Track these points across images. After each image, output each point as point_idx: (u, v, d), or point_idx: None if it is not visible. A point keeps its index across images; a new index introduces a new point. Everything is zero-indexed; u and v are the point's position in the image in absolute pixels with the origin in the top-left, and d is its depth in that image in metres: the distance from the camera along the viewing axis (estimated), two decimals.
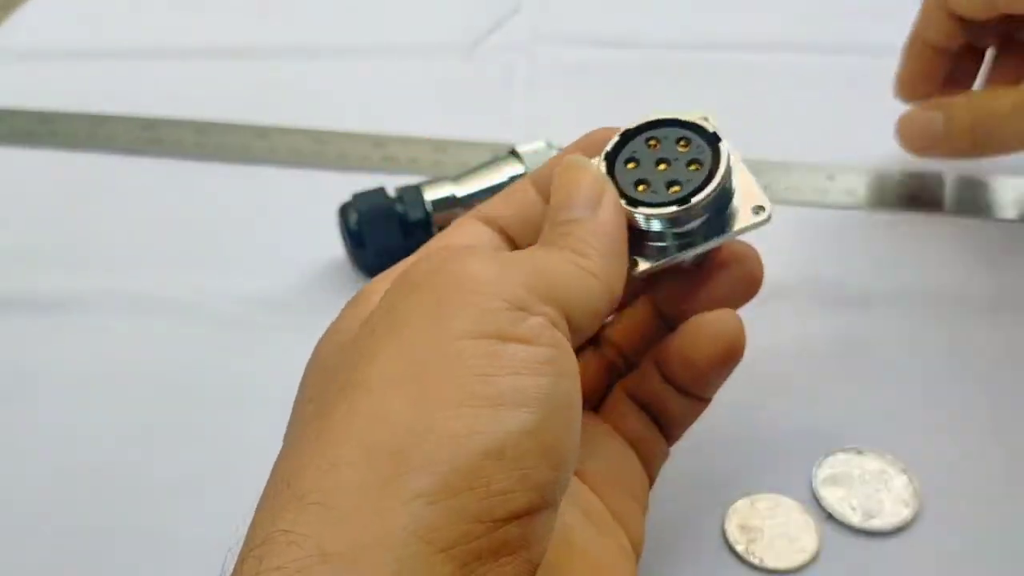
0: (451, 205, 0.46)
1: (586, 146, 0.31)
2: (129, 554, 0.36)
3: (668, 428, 0.32)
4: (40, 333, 0.45)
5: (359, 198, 0.46)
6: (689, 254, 0.29)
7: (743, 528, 0.35)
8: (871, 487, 0.36)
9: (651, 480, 0.32)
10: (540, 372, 0.21)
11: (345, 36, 0.68)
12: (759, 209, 0.29)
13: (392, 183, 0.47)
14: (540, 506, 0.20)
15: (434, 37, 0.67)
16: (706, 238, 0.29)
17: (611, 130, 0.30)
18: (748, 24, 0.66)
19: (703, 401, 0.31)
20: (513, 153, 0.48)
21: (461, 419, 0.19)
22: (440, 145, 0.56)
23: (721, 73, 0.62)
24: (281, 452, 0.23)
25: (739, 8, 0.68)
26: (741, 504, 0.35)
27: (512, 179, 0.47)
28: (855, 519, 0.35)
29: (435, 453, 0.19)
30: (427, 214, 0.46)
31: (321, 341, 0.27)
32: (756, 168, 0.31)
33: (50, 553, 0.36)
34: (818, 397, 0.40)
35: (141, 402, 0.42)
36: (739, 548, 0.34)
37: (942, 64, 0.45)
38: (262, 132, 0.58)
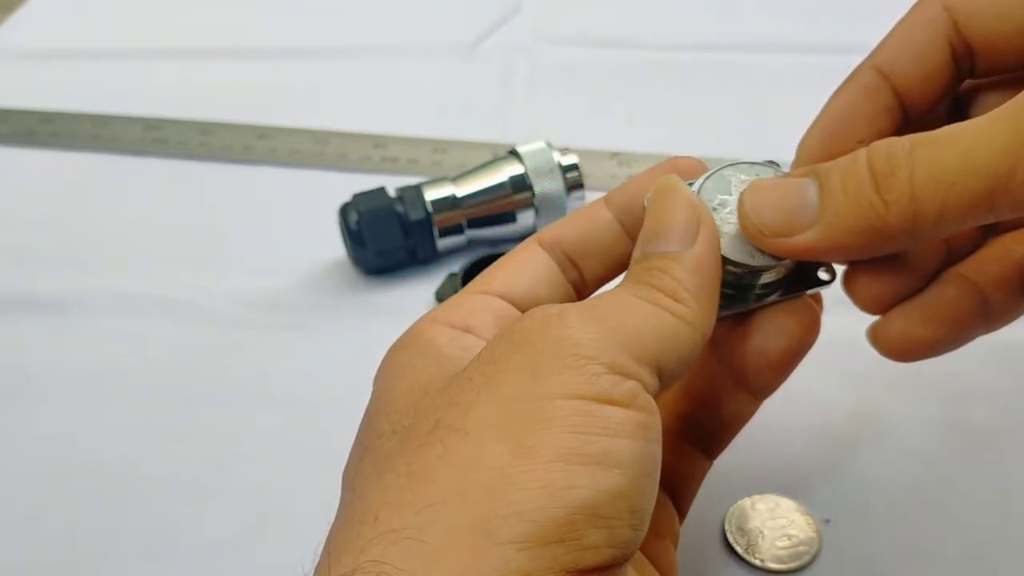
0: (451, 205, 0.46)
1: (670, 173, 0.29)
2: (129, 554, 0.36)
3: (719, 433, 0.30)
4: (40, 333, 0.45)
5: (359, 198, 0.46)
6: (757, 305, 0.27)
7: (743, 529, 0.35)
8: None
9: (691, 498, 0.30)
10: (634, 435, 0.21)
11: (345, 37, 0.68)
12: (827, 269, 0.27)
13: (392, 183, 0.47)
14: (620, 561, 0.21)
15: (434, 37, 0.67)
16: (782, 292, 0.27)
17: (694, 161, 0.29)
18: (748, 24, 0.66)
19: (759, 399, 0.30)
20: (513, 153, 0.48)
21: (558, 472, 0.20)
22: (440, 145, 0.56)
23: (721, 73, 0.62)
24: (359, 480, 0.23)
25: (739, 8, 0.68)
26: (741, 504, 0.35)
27: (512, 179, 0.47)
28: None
29: (531, 502, 0.20)
30: (427, 214, 0.46)
31: (384, 374, 0.26)
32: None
33: (50, 553, 0.36)
34: (820, 398, 0.40)
35: (141, 402, 0.42)
36: (739, 548, 0.34)
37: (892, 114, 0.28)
38: (263, 132, 0.58)
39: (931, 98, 0.28)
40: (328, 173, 0.55)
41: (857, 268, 0.27)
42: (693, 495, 0.30)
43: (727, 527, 0.35)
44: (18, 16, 0.72)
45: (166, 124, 0.59)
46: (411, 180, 0.48)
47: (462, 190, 0.47)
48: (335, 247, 0.47)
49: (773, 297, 0.27)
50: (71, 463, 0.39)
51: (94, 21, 0.71)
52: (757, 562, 0.34)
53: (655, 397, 0.23)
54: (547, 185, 0.47)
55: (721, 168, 0.27)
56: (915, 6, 0.28)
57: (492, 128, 0.57)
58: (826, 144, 0.28)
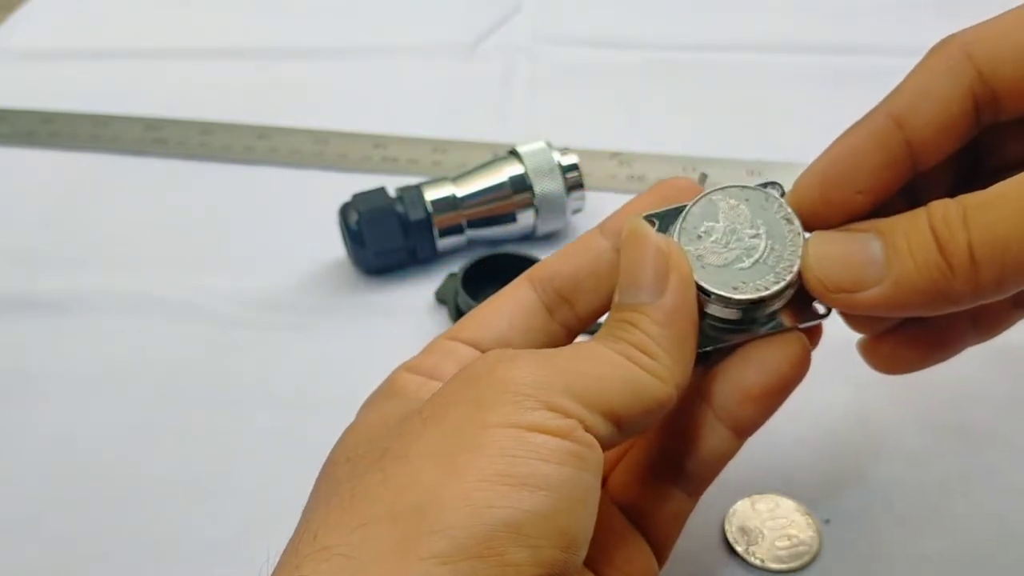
0: (451, 205, 0.46)
1: (665, 195, 0.28)
2: (129, 554, 0.36)
3: (699, 471, 0.28)
4: (40, 333, 0.45)
5: (359, 198, 0.46)
6: (747, 337, 0.27)
7: (743, 529, 0.35)
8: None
9: (672, 538, 0.29)
10: (564, 462, 0.22)
11: (345, 37, 0.68)
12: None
13: (392, 183, 0.47)
14: None
15: (434, 37, 0.67)
16: (776, 326, 0.26)
17: (687, 181, 0.28)
18: (748, 24, 0.66)
19: (741, 437, 0.28)
20: (513, 153, 0.48)
21: (483, 491, 0.21)
22: (440, 145, 0.56)
23: (721, 73, 0.62)
24: (310, 505, 0.24)
25: (739, 8, 0.68)
26: (741, 505, 0.35)
27: (512, 179, 0.47)
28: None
29: (454, 519, 0.21)
30: (427, 214, 0.46)
31: (361, 418, 0.27)
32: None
33: (50, 553, 0.36)
34: (821, 399, 0.40)
35: (141, 402, 0.42)
36: (739, 549, 0.34)
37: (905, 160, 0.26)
38: (263, 132, 0.58)
39: (945, 150, 0.26)
40: (328, 173, 0.55)
41: (883, 338, 0.27)
42: (675, 535, 0.29)
43: (727, 527, 0.35)
44: (18, 16, 0.72)
45: (166, 124, 0.59)
46: (411, 180, 0.48)
47: (462, 190, 0.47)
48: (335, 247, 0.47)
49: (765, 329, 0.26)
50: (71, 463, 0.39)
51: (94, 21, 0.71)
52: (757, 562, 0.34)
53: (612, 443, 0.23)
54: (547, 185, 0.47)
55: (710, 192, 0.26)
56: (933, 53, 0.26)
57: (492, 128, 0.57)
58: (825, 191, 0.26)
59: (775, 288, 0.25)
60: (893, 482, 0.36)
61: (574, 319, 0.29)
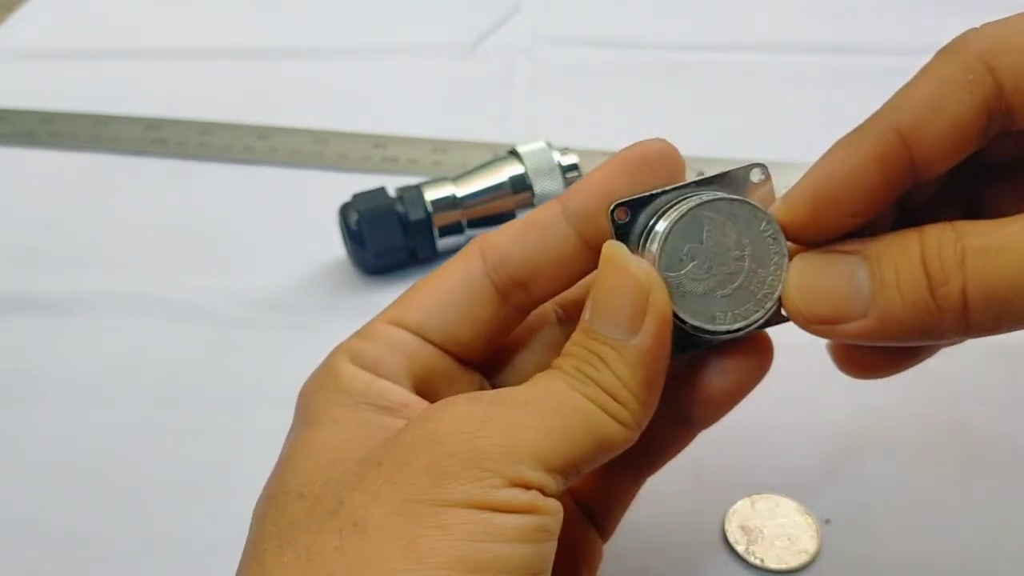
0: (451, 205, 0.46)
1: (633, 167, 0.26)
2: (129, 554, 0.36)
3: (650, 458, 0.29)
4: (40, 333, 0.45)
5: (359, 198, 0.46)
6: (714, 344, 0.26)
7: (743, 528, 0.35)
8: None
9: (618, 518, 0.30)
10: (527, 539, 0.21)
11: (345, 37, 0.68)
12: None
13: (392, 183, 0.47)
14: None
15: (434, 37, 0.67)
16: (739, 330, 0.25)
17: (662, 145, 0.26)
18: (748, 24, 0.66)
19: (695, 430, 0.28)
20: (513, 153, 0.48)
21: None
22: (440, 145, 0.56)
23: (721, 73, 0.62)
24: (261, 534, 0.23)
25: (739, 8, 0.68)
26: (741, 504, 0.35)
27: (512, 179, 0.47)
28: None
29: None
30: (427, 214, 0.46)
31: (301, 416, 0.26)
32: None
33: (50, 553, 0.36)
34: (820, 398, 0.40)
35: (141, 402, 0.42)
36: (739, 548, 0.34)
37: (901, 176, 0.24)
38: (263, 132, 0.58)
39: (949, 164, 0.24)
40: (328, 173, 0.55)
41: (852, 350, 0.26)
42: (621, 515, 0.29)
43: (727, 527, 0.35)
44: (18, 16, 0.72)
45: (166, 124, 0.59)
46: (411, 180, 0.48)
47: (462, 190, 0.47)
48: (335, 247, 0.47)
49: (728, 339, 0.26)
50: (71, 463, 0.39)
51: (94, 21, 0.71)
52: (757, 562, 0.34)
53: (569, 485, 0.23)
54: (547, 185, 0.47)
55: (695, 207, 0.24)
56: (947, 59, 0.23)
57: (492, 128, 0.57)
58: (817, 210, 0.24)
59: (754, 318, 0.25)
60: (893, 482, 0.36)
61: (528, 301, 0.27)
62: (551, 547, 0.22)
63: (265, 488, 0.24)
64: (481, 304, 0.26)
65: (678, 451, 0.29)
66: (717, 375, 0.26)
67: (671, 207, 0.25)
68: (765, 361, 0.26)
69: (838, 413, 0.39)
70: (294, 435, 0.25)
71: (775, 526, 0.35)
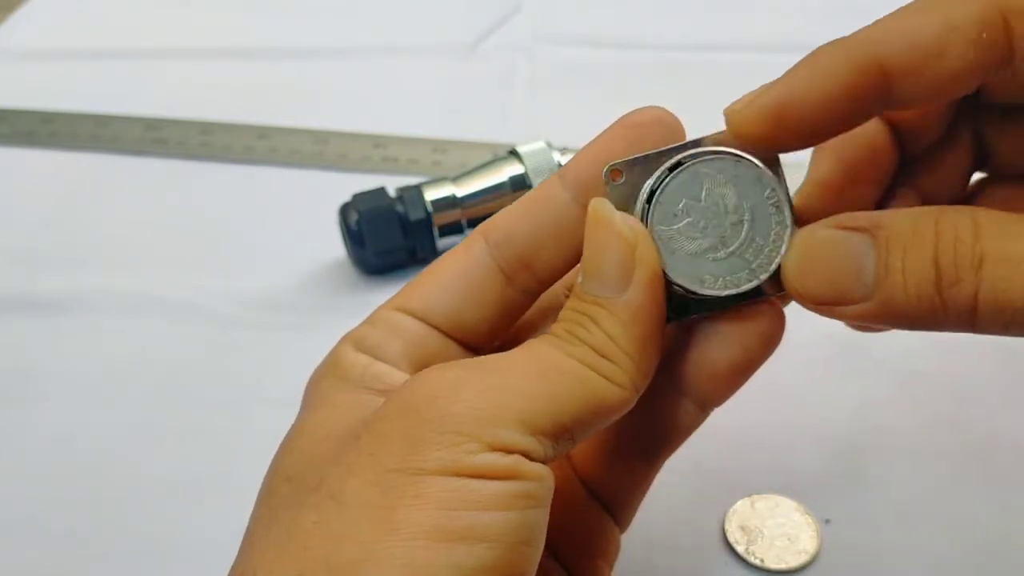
0: (451, 205, 0.46)
1: (629, 133, 0.25)
2: (129, 554, 0.36)
3: (662, 443, 0.27)
4: (40, 333, 0.45)
5: (359, 198, 0.46)
6: (717, 312, 0.25)
7: (743, 528, 0.35)
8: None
9: (634, 507, 0.29)
10: (508, 506, 0.21)
11: (345, 36, 0.68)
12: None
13: (392, 183, 0.47)
14: None
15: (434, 37, 0.67)
16: (748, 296, 0.24)
17: (658, 112, 0.25)
18: (748, 24, 0.66)
19: (706, 410, 0.27)
20: (513, 153, 0.48)
21: (420, 549, 0.20)
22: (440, 145, 0.56)
23: (721, 73, 0.62)
24: (252, 524, 0.24)
25: (739, 8, 0.68)
26: (741, 504, 0.35)
27: (512, 179, 0.47)
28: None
29: None
30: (427, 214, 0.46)
31: (305, 402, 0.26)
32: None
33: (50, 553, 0.36)
34: (820, 398, 0.40)
35: (141, 402, 0.42)
36: (739, 548, 0.34)
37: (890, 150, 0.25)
38: (263, 132, 0.58)
39: (932, 106, 0.23)
40: (328, 173, 0.55)
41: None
42: (637, 503, 0.28)
43: (727, 527, 0.35)
44: (18, 16, 0.72)
45: (166, 124, 0.59)
46: (411, 180, 0.48)
47: (462, 190, 0.47)
48: (335, 247, 0.47)
49: (740, 300, 0.24)
50: (71, 463, 0.39)
51: (94, 21, 0.71)
52: (757, 562, 0.34)
53: (564, 453, 0.22)
54: None
55: (695, 162, 0.24)
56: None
57: (492, 128, 0.57)
58: (774, 126, 0.23)
59: (746, 287, 0.24)
60: (893, 482, 0.36)
61: (535, 283, 0.26)
62: (539, 514, 0.21)
63: (263, 480, 0.25)
64: (485, 287, 0.26)
65: (689, 432, 0.27)
66: (722, 346, 0.25)
67: (670, 163, 0.24)
68: (774, 332, 0.25)
69: (838, 413, 0.39)
70: (294, 422, 0.25)
71: (775, 526, 0.35)
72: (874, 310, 0.22)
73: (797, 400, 0.39)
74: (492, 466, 0.21)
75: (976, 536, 0.35)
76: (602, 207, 0.24)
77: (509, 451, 0.21)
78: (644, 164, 0.24)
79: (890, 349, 0.41)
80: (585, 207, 0.24)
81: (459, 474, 0.21)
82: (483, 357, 0.23)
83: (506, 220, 0.26)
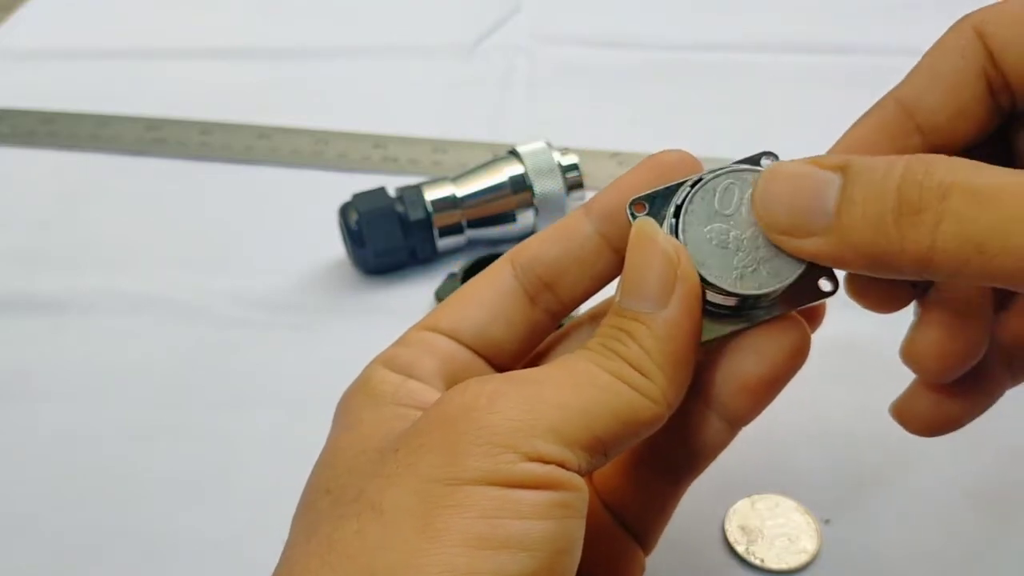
0: (451, 205, 0.46)
1: (654, 172, 0.26)
2: (129, 554, 0.36)
3: (689, 462, 0.28)
4: (40, 333, 0.45)
5: (359, 198, 0.46)
6: (745, 326, 0.25)
7: (743, 528, 0.35)
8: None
9: (659, 530, 0.29)
10: (547, 516, 0.21)
11: (345, 37, 0.68)
12: (830, 278, 0.25)
13: (392, 183, 0.47)
14: None
15: (434, 38, 0.67)
16: (769, 312, 0.25)
17: (682, 154, 0.26)
18: (748, 24, 0.66)
19: (734, 427, 0.27)
20: (513, 153, 0.48)
21: (462, 558, 0.20)
22: (440, 145, 0.56)
23: (721, 73, 0.62)
24: (292, 536, 0.24)
25: (738, 8, 0.68)
26: (741, 504, 0.36)
27: (512, 179, 0.47)
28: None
29: None
30: (427, 214, 0.46)
31: (337, 421, 0.26)
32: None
33: (50, 553, 0.36)
34: (820, 398, 0.40)
35: (141, 402, 0.42)
36: (739, 548, 0.34)
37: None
38: (263, 132, 0.58)
39: (963, 138, 0.24)
40: (328, 173, 0.55)
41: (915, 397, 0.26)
42: (663, 526, 0.28)
43: (727, 527, 0.35)
44: (18, 16, 0.72)
45: (166, 124, 0.59)
46: (411, 180, 0.48)
47: (462, 190, 0.47)
48: (335, 247, 0.47)
49: (764, 315, 0.25)
50: (71, 463, 0.39)
51: (94, 21, 0.71)
52: (757, 562, 0.34)
53: (598, 467, 0.23)
54: (547, 185, 0.47)
55: (716, 175, 0.25)
56: (947, 32, 0.24)
57: (492, 128, 0.58)
58: None
59: (778, 286, 0.24)
60: (893, 482, 0.36)
61: (557, 304, 0.27)
62: (576, 525, 0.22)
63: (300, 498, 0.25)
64: (511, 307, 0.27)
65: (716, 452, 0.27)
66: (750, 360, 0.25)
67: (692, 179, 0.25)
68: (799, 343, 0.25)
69: (838, 413, 0.39)
70: (327, 441, 0.26)
71: (775, 526, 0.35)
72: (829, 245, 0.22)
73: (797, 400, 0.39)
74: (531, 476, 0.21)
75: (976, 536, 0.35)
76: (647, 225, 0.25)
77: (546, 462, 0.22)
78: (665, 195, 0.25)
79: (890, 349, 0.41)
80: (606, 238, 0.26)
81: (498, 483, 0.21)
82: (519, 371, 0.24)
83: (533, 245, 0.28)
